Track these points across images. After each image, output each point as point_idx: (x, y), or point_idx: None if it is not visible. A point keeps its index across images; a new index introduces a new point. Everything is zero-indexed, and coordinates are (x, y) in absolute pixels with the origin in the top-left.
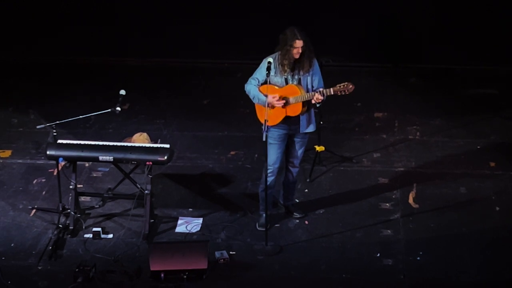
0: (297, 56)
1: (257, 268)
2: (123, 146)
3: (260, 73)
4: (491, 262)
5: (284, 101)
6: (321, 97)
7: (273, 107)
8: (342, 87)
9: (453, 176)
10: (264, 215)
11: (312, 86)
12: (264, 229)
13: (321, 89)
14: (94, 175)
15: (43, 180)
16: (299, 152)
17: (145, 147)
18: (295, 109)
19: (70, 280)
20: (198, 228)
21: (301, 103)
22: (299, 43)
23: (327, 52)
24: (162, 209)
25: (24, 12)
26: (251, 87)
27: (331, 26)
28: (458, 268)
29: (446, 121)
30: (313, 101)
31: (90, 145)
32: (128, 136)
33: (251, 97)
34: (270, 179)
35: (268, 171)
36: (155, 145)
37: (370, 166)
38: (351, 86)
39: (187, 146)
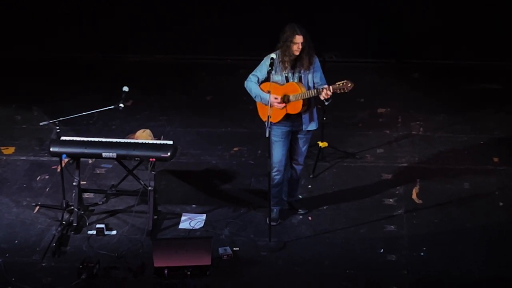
0: (297, 53)
1: (260, 264)
2: (127, 142)
3: (260, 70)
4: (494, 257)
5: (284, 104)
6: (330, 92)
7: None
8: (341, 85)
9: (456, 172)
10: (275, 210)
11: (314, 84)
12: (275, 223)
13: (326, 86)
14: (98, 172)
15: (47, 177)
16: (303, 149)
17: (148, 143)
18: (295, 107)
19: (74, 277)
20: (202, 225)
21: (301, 101)
22: (299, 38)
23: (330, 48)
24: (165, 206)
25: (26, 11)
26: (252, 85)
27: (333, 22)
28: (462, 263)
29: (449, 117)
30: (322, 97)
31: (94, 141)
32: (131, 132)
33: (252, 95)
34: (277, 177)
35: (274, 169)
36: (158, 142)
37: (374, 162)
38: (350, 84)
39: (190, 143)
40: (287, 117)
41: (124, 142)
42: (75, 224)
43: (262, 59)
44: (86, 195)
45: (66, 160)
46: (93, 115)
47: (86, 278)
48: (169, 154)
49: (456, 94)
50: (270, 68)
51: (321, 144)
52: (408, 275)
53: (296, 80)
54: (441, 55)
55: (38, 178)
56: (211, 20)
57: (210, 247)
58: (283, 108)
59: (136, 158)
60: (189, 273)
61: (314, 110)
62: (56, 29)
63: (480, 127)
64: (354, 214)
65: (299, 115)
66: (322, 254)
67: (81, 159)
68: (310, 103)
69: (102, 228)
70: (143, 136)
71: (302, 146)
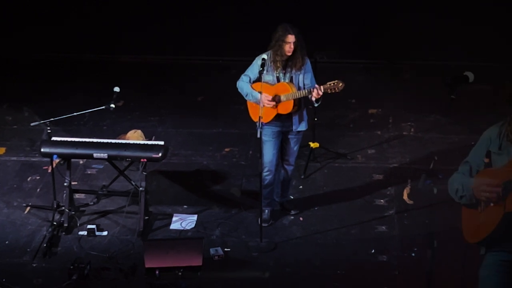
0: (289, 53)
1: (252, 265)
2: (118, 143)
3: (252, 70)
4: None
5: (274, 103)
6: (321, 92)
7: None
8: (332, 85)
9: (447, 173)
10: (266, 210)
11: (304, 85)
12: (266, 224)
13: (317, 86)
14: (89, 172)
15: (38, 177)
16: (294, 149)
17: (139, 144)
18: (286, 107)
19: (65, 277)
20: (193, 225)
21: (292, 101)
22: (291, 38)
23: (321, 49)
24: (156, 206)
25: (17, 8)
26: (243, 84)
27: (325, 22)
28: (453, 264)
29: (440, 118)
30: (313, 97)
31: (85, 142)
32: (122, 133)
33: (243, 94)
34: (268, 177)
35: (265, 169)
36: (149, 142)
37: (365, 162)
38: (341, 84)
39: (182, 143)
40: (278, 117)
41: (115, 143)
42: (66, 225)
43: (254, 59)
44: (77, 195)
45: (57, 160)
46: (84, 115)
47: (77, 279)
48: (160, 154)
49: (447, 95)
50: (261, 68)
51: (312, 144)
52: (399, 275)
53: (287, 80)
54: (432, 55)
55: (29, 179)
56: (203, 20)
57: (201, 247)
58: (273, 107)
59: (127, 159)
60: (180, 273)
61: (305, 111)
62: (48, 29)
63: (471, 128)
64: (345, 214)
65: (289, 116)
66: (313, 254)
67: (72, 159)
68: (301, 103)
69: (93, 228)
70: (134, 137)
71: (293, 147)
